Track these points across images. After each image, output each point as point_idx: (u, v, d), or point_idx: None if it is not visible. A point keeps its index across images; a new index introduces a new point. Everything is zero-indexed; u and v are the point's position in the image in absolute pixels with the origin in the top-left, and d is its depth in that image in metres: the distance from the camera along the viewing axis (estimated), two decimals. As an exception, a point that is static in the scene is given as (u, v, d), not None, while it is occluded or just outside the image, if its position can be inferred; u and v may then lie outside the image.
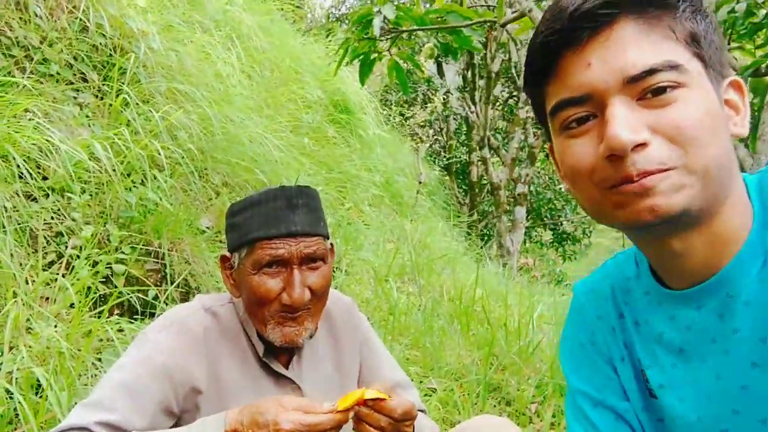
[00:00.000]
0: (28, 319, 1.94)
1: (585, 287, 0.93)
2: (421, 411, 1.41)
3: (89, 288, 2.20)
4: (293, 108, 4.77)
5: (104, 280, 2.36)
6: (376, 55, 2.66)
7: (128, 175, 2.71)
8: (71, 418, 1.07)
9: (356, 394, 1.05)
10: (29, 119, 2.45)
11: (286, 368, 1.32)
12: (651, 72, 0.65)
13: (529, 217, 8.97)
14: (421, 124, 9.50)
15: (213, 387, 1.22)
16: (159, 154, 2.75)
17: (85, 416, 1.07)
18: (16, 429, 1.63)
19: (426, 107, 9.18)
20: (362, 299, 3.43)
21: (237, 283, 1.26)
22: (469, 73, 9.07)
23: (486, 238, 9.54)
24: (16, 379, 1.69)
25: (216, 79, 3.81)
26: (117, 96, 2.98)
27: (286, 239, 1.17)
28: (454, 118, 9.97)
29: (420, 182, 6.26)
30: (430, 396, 2.48)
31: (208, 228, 3.06)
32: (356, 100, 5.85)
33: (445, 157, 9.96)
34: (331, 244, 1.33)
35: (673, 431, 0.80)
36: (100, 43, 3.13)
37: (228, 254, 1.27)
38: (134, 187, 2.71)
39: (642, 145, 0.65)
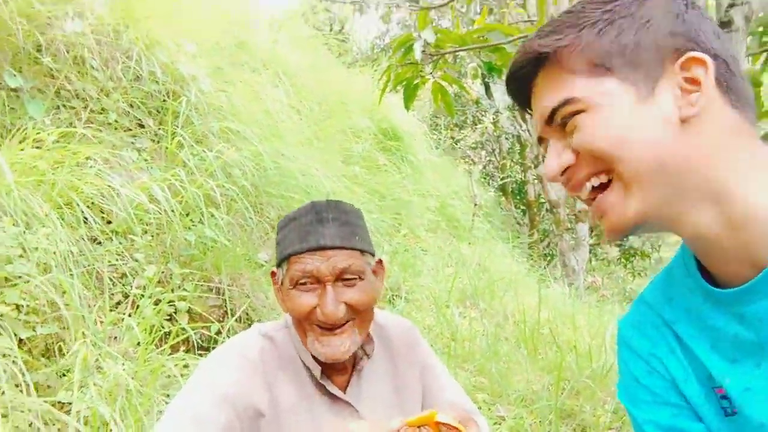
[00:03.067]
0: (96, 359, 1.98)
1: (628, 320, 0.88)
2: None
3: (154, 326, 2.24)
4: (342, 139, 4.81)
5: (168, 318, 2.40)
6: (419, 79, 2.64)
7: (187, 214, 2.77)
8: None
9: (426, 415, 0.99)
10: (90, 167, 2.55)
11: (344, 391, 1.27)
12: (554, 112, 0.74)
13: (592, 234, 8.68)
14: (473, 146, 9.43)
15: (273, 411, 1.19)
16: (214, 192, 2.81)
17: None
18: (86, 469, 1.65)
19: (476, 128, 9.12)
20: (424, 326, 3.36)
21: (282, 297, 1.24)
22: (518, 91, 8.95)
23: (549, 258, 9.29)
24: (86, 417, 1.71)
25: (265, 116, 3.89)
26: (172, 139, 3.07)
27: (315, 253, 1.14)
28: (506, 138, 9.85)
29: (475, 204, 6.17)
30: (499, 425, 2.37)
31: (266, 262, 3.09)
32: (405, 127, 5.86)
33: (499, 177, 9.83)
34: (380, 259, 1.29)
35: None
36: (154, 90, 3.25)
37: (275, 270, 1.25)
38: (193, 225, 2.76)
39: (571, 167, 0.74)
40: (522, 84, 0.80)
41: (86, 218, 2.36)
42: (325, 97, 5.05)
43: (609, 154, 0.69)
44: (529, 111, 0.84)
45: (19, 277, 1.95)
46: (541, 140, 0.80)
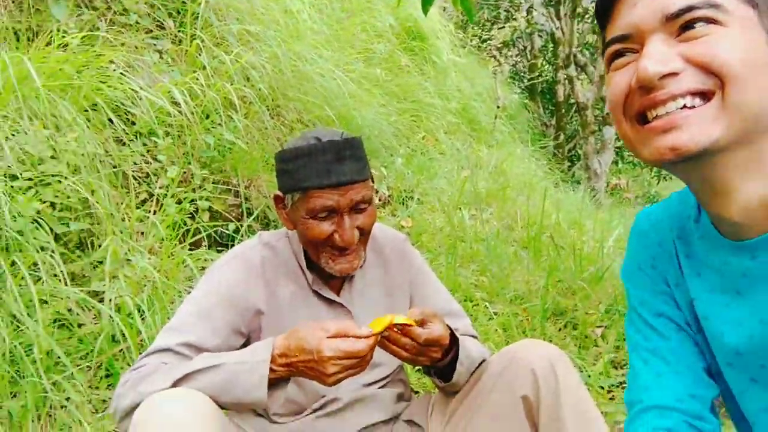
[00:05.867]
0: (125, 253, 2.20)
1: (648, 215, 0.96)
2: (473, 337, 1.51)
3: (176, 223, 2.44)
4: (364, 39, 4.77)
5: (190, 215, 2.60)
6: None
7: (206, 117, 2.90)
8: (156, 342, 1.26)
9: (386, 319, 1.16)
10: (114, 70, 2.66)
11: (338, 294, 1.45)
12: (689, 9, 0.67)
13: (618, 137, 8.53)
14: (501, 45, 9.14)
15: (272, 309, 1.38)
16: (232, 95, 2.91)
17: (168, 340, 1.25)
18: (119, 346, 1.90)
19: (505, 26, 8.79)
20: (434, 227, 3.52)
21: (291, 219, 1.38)
22: (554, -15, 8.54)
23: (573, 160, 9.25)
24: (117, 305, 1.95)
25: (286, 16, 3.88)
26: (191, 41, 3.13)
27: (336, 189, 1.27)
28: (540, 35, 9.50)
29: (498, 106, 6.13)
30: (492, 320, 2.58)
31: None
32: (430, 26, 5.73)
33: (527, 77, 9.59)
34: (372, 179, 1.42)
35: (717, 357, 0.85)
36: (174, -10, 3.27)
37: (281, 195, 1.38)
38: (212, 128, 2.89)
39: (673, 75, 0.67)
40: None
41: (111, 120, 2.50)
42: (348, -7, 4.95)
43: (733, 74, 0.66)
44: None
45: (52, 176, 2.14)
46: (624, 38, 0.73)
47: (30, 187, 2.11)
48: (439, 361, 1.31)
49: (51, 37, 2.64)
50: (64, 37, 2.66)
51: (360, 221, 1.31)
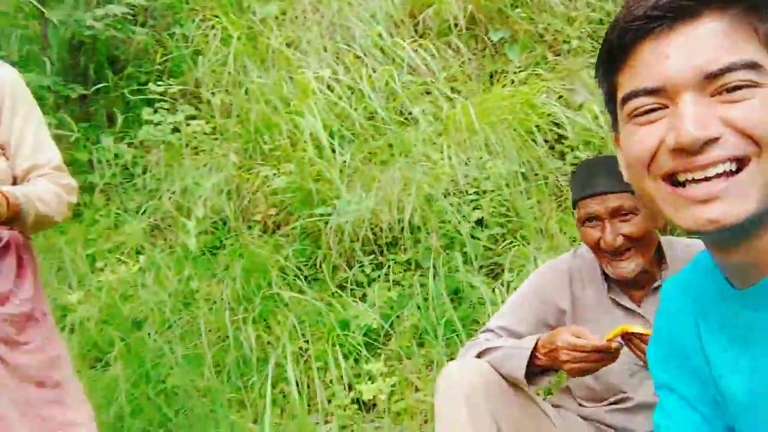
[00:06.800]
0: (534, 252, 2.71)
1: (673, 283, 0.92)
2: None
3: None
4: None
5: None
6: None
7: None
8: (488, 323, 1.72)
9: (620, 328, 1.32)
10: (547, 97, 3.19)
11: (638, 305, 1.60)
12: (729, 69, 0.64)
13: None
14: None
15: (574, 309, 1.66)
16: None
17: (492, 322, 1.71)
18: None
19: None
20: None
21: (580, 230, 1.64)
22: None
23: None
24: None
25: None
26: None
27: (593, 198, 1.49)
28: None
29: None
30: None
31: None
32: None
33: None
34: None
35: (732, 416, 0.80)
36: (610, 8, 3.55)
37: (573, 210, 1.66)
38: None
39: (714, 140, 0.64)
40: (667, 11, 0.66)
41: (535, 140, 3.05)
42: None
43: None
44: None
45: (484, 192, 2.85)
46: (656, 92, 0.67)
47: (473, 200, 2.87)
48: None
49: (505, 76, 3.39)
50: (516, 73, 3.37)
51: (624, 229, 1.46)
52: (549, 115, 3.13)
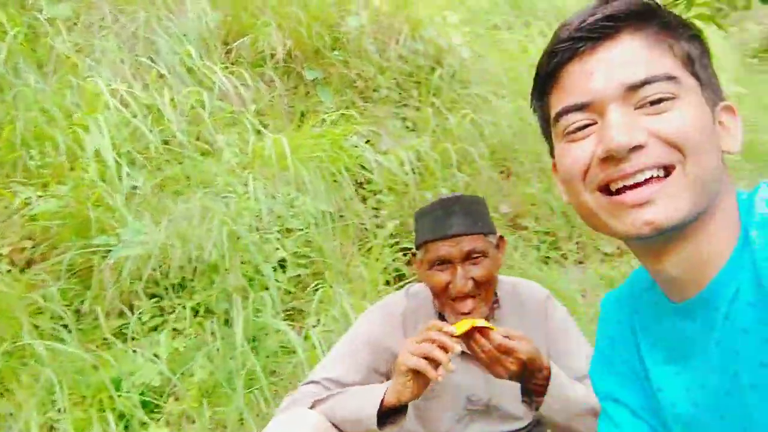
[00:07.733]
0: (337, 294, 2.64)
1: (609, 296, 0.94)
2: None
3: (386, 268, 2.80)
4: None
5: (408, 263, 2.94)
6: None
7: (431, 174, 3.23)
8: (310, 375, 1.54)
9: (468, 322, 1.26)
10: (355, 139, 3.21)
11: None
12: (648, 81, 0.68)
13: None
14: None
15: None
16: (453, 154, 3.19)
17: (317, 374, 1.53)
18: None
19: None
20: None
21: (422, 274, 1.53)
22: None
23: None
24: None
25: (530, 69, 4.02)
26: (431, 107, 3.54)
27: (447, 240, 1.41)
28: None
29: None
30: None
31: (506, 213, 3.36)
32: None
33: None
34: (500, 236, 1.51)
35: (671, 430, 0.81)
36: (422, 64, 3.75)
37: (414, 252, 1.57)
38: (434, 186, 3.21)
39: (639, 147, 0.68)
40: (588, 33, 0.71)
41: (339, 181, 3.03)
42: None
43: (694, 148, 0.67)
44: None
45: (288, 230, 2.73)
46: (584, 107, 0.72)
47: (278, 239, 2.72)
48: (535, 387, 1.34)
49: (316, 116, 3.34)
50: (326, 114, 3.34)
51: (474, 272, 1.40)
52: (357, 157, 3.14)
